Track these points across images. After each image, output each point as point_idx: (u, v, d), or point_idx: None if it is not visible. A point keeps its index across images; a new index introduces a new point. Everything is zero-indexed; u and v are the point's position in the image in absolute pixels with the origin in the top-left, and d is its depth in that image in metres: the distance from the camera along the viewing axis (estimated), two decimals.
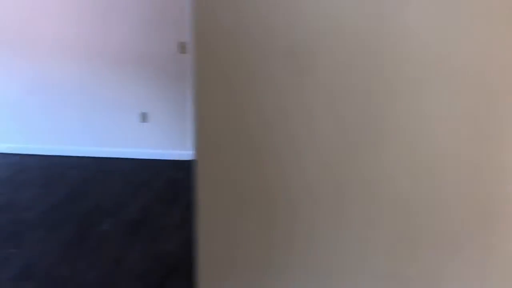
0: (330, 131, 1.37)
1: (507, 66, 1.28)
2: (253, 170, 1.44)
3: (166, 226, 3.31)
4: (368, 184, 1.39)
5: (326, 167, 1.40)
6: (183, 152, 4.77)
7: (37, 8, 4.53)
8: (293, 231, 1.47)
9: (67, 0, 4.49)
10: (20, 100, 4.75)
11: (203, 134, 1.44)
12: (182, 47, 4.52)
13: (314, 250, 1.48)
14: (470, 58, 1.28)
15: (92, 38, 4.56)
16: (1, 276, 2.62)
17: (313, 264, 1.48)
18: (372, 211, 1.42)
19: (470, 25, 1.26)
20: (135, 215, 3.47)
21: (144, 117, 4.73)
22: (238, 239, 1.51)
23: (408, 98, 1.32)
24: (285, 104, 1.36)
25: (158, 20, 4.48)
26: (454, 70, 1.29)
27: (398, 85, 1.31)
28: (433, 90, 1.30)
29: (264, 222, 1.48)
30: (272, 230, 1.48)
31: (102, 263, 2.79)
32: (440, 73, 1.29)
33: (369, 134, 1.35)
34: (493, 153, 1.34)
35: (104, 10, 4.50)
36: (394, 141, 1.36)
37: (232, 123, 1.41)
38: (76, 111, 4.75)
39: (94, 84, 4.67)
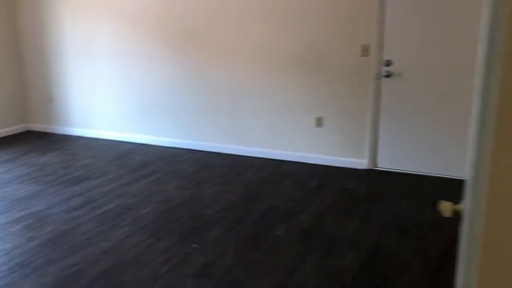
0: None
1: None
2: None
3: (339, 239, 3.13)
4: None
5: None
6: (357, 160, 4.54)
7: (219, 13, 4.79)
8: None
9: (248, 4, 4.64)
10: (207, 100, 5.10)
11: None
12: (364, 50, 4.29)
13: None
14: None
15: (273, 40, 4.64)
16: (184, 270, 2.76)
17: None
18: None
19: None
20: (308, 223, 3.37)
21: (319, 122, 4.63)
22: None
23: None
24: None
25: (341, 21, 4.32)
26: None
27: None
28: None
29: None
30: None
31: (276, 271, 2.74)
32: None
33: None
34: None
35: (286, 12, 4.52)
36: None
37: None
38: (256, 113, 4.89)
39: (275, 87, 4.75)
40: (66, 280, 2.66)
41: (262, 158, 4.94)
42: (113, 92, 5.60)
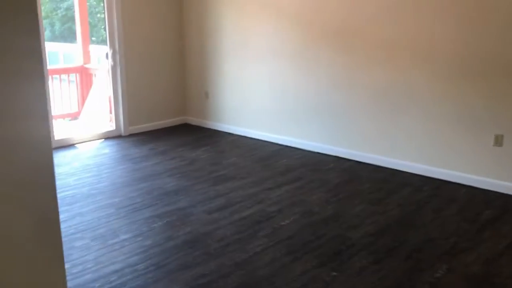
0: None
1: None
2: None
3: None
4: None
5: None
6: None
7: (380, 11, 4.26)
8: None
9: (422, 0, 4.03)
10: (360, 106, 4.63)
11: None
12: None
13: None
14: None
15: (449, 43, 3.96)
16: None
17: None
18: None
19: None
20: (477, 268, 2.72)
21: (498, 140, 3.82)
22: None
23: None
24: None
25: None
26: None
27: None
28: None
29: None
30: None
31: None
32: None
33: None
34: None
35: (468, 10, 3.81)
36: None
37: None
38: (417, 123, 4.27)
39: (443, 95, 4.07)
40: None
41: (421, 175, 4.29)
42: (263, 92, 5.48)
